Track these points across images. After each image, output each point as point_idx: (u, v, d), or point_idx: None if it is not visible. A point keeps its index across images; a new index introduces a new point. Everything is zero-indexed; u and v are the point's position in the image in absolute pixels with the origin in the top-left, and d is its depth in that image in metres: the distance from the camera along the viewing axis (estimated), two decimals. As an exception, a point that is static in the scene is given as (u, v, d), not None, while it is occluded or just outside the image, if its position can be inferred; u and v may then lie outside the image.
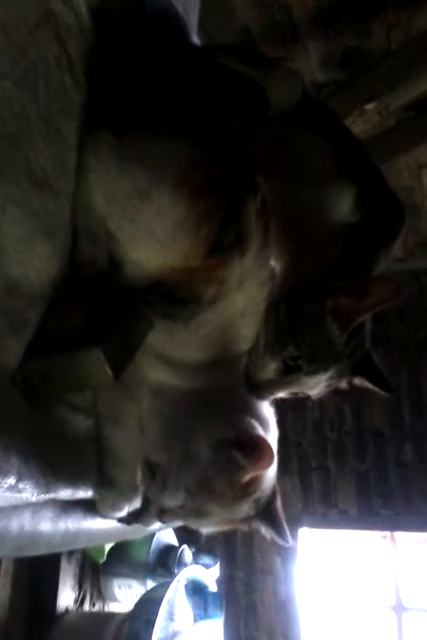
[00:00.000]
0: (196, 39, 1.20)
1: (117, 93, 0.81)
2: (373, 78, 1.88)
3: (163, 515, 0.80)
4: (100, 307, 0.74)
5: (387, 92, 1.86)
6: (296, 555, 3.29)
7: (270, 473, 0.85)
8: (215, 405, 0.82)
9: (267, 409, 0.90)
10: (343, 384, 0.94)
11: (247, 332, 0.84)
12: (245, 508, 0.81)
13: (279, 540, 0.86)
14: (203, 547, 3.00)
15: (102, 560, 2.59)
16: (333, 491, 3.37)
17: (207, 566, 3.00)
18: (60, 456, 0.74)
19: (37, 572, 2.48)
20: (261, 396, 0.89)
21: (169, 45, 0.90)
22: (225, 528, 0.85)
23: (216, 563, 3.15)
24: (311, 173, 0.91)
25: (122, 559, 2.72)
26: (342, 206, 0.89)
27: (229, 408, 0.83)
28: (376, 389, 0.93)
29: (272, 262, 0.84)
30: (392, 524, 3.26)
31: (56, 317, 0.71)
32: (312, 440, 3.43)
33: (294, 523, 3.32)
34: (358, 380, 0.94)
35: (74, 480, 0.77)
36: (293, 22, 1.93)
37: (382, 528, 3.30)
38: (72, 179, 0.76)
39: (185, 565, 2.73)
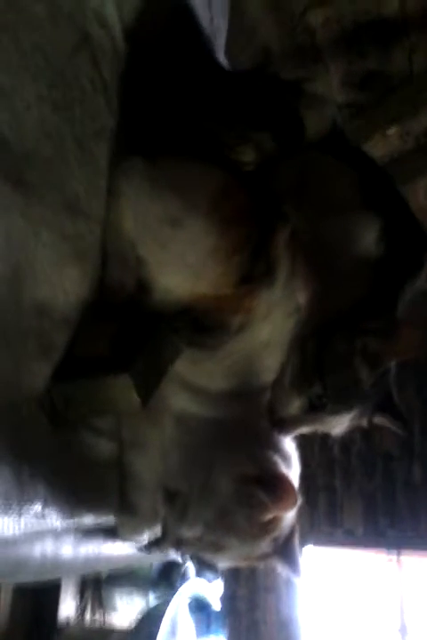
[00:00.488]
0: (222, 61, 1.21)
1: (149, 117, 0.81)
2: (395, 102, 1.88)
3: (180, 545, 0.79)
4: (127, 332, 0.73)
5: (409, 116, 1.86)
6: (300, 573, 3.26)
7: (291, 511, 0.83)
8: (238, 437, 0.81)
9: (289, 444, 0.89)
10: (364, 422, 0.92)
11: (271, 364, 0.83)
12: (264, 545, 0.80)
13: (293, 576, 0.84)
14: (206, 561, 2.97)
15: (104, 573, 2.57)
16: (339, 510, 3.34)
17: (210, 580, 2.98)
18: (83, 481, 0.74)
19: (39, 587, 2.47)
20: (284, 432, 0.87)
21: (201, 69, 0.90)
22: (241, 564, 0.83)
23: (219, 576, 3.12)
24: (338, 204, 0.90)
25: (125, 571, 2.70)
26: (367, 239, 0.88)
27: (252, 442, 0.82)
28: (394, 428, 0.92)
29: (299, 294, 0.84)
30: (399, 544, 3.23)
31: (84, 341, 0.71)
32: (320, 460, 3.41)
33: (300, 541, 3.29)
34: (378, 419, 0.92)
35: (96, 505, 0.76)
36: (315, 44, 1.93)
37: (389, 549, 3.27)
38: (103, 203, 0.76)
39: (188, 579, 2.71)
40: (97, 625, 2.75)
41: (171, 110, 0.84)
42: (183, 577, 2.74)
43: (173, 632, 2.49)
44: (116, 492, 0.78)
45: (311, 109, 0.91)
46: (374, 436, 3.29)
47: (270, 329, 0.81)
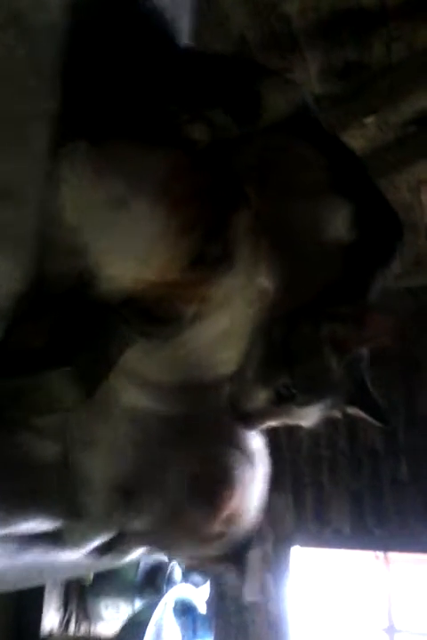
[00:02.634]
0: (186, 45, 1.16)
1: (96, 98, 0.77)
2: (373, 92, 1.85)
3: (130, 540, 0.75)
4: (71, 323, 0.69)
5: (387, 107, 1.83)
6: (288, 573, 3.23)
7: (249, 515, 0.78)
8: (194, 434, 0.77)
9: (254, 439, 0.84)
10: (337, 414, 0.89)
11: (231, 355, 0.79)
12: (215, 548, 0.75)
13: (245, 596, 0.80)
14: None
15: (88, 580, 2.52)
16: (326, 509, 3.31)
17: (197, 584, 2.95)
18: (23, 485, 0.69)
19: (21, 594, 2.43)
20: (249, 426, 0.83)
21: (153, 47, 0.85)
22: (192, 564, 0.79)
23: (206, 581, 3.09)
24: (306, 188, 0.86)
25: (109, 578, 2.65)
26: (338, 224, 0.84)
27: (209, 438, 0.78)
28: (372, 421, 0.87)
29: (263, 280, 0.79)
30: (386, 543, 3.21)
31: (20, 335, 0.66)
32: (306, 457, 3.38)
33: (287, 541, 3.27)
34: (352, 410, 0.88)
35: (39, 511, 0.71)
36: (292, 32, 1.90)
37: (376, 548, 3.25)
38: (40, 189, 0.70)
39: (174, 583, 2.67)
40: (82, 635, 2.70)
41: (121, 92, 0.79)
42: (169, 581, 2.69)
43: (157, 637, 2.45)
44: (63, 495, 0.73)
45: (273, 90, 0.87)
46: (358, 431, 3.27)
47: (230, 318, 0.76)
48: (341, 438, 3.34)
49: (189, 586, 2.66)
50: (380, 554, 3.26)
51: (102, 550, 0.77)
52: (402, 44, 1.88)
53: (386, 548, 3.23)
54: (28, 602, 2.44)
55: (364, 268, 0.86)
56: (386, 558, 3.26)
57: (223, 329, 0.76)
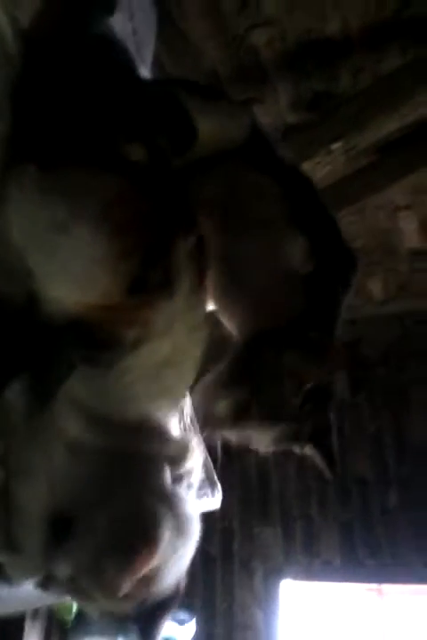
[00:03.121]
0: (147, 74, 1.18)
1: (45, 124, 0.77)
2: (339, 118, 1.87)
3: (48, 582, 0.72)
4: (13, 346, 0.68)
5: (353, 132, 1.85)
6: (278, 608, 3.16)
7: (165, 583, 0.75)
8: (130, 476, 0.75)
9: (190, 504, 0.81)
10: (296, 448, 0.88)
11: (175, 383, 0.78)
12: (128, 605, 0.72)
13: None
14: (180, 601, 2.87)
15: (70, 618, 2.46)
16: (316, 541, 3.26)
17: (182, 622, 2.87)
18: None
19: (1, 632, 2.36)
20: (206, 431, 0.83)
21: (104, 75, 0.86)
22: (103, 618, 0.76)
23: (192, 618, 3.01)
24: (261, 219, 0.88)
25: (92, 618, 2.58)
26: (294, 255, 0.86)
27: (143, 486, 0.75)
28: (321, 467, 0.87)
29: (206, 307, 0.80)
30: (378, 575, 3.15)
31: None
32: (295, 489, 3.34)
33: (276, 574, 3.21)
34: (308, 450, 0.87)
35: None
36: (260, 64, 1.93)
37: (368, 580, 3.18)
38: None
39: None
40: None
41: (72, 118, 0.80)
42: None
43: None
44: (1, 527, 0.71)
45: (216, 115, 0.88)
46: (347, 461, 3.24)
47: (171, 344, 0.76)
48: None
49: (173, 624, 2.59)
50: (373, 586, 3.20)
51: (43, 585, 0.74)
52: (368, 73, 1.91)
53: (378, 579, 3.17)
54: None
55: (324, 298, 0.87)
56: (379, 591, 3.20)
57: (165, 355, 0.77)
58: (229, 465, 3.15)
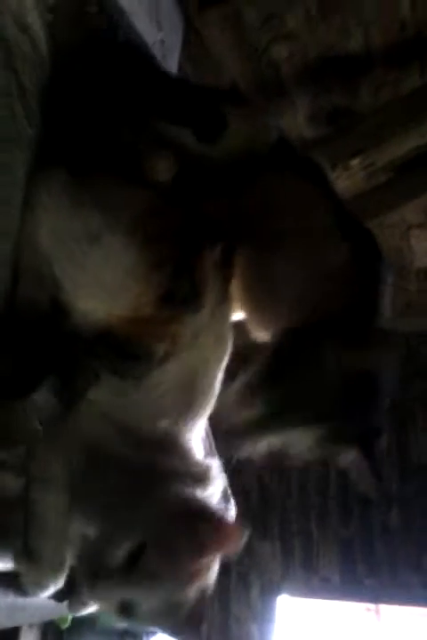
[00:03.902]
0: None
1: (75, 129, 0.77)
2: (358, 133, 1.87)
3: (100, 579, 0.69)
4: (37, 353, 0.67)
5: (372, 148, 1.85)
6: (274, 624, 3.13)
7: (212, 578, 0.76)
8: (158, 477, 0.74)
9: (221, 481, 0.82)
10: (339, 453, 0.84)
11: (202, 397, 0.78)
12: (192, 593, 0.72)
13: None
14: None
15: (66, 625, 2.43)
16: (315, 557, 3.23)
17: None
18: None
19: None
20: (231, 442, 0.82)
21: (135, 83, 0.86)
22: (160, 616, 0.74)
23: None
24: (304, 225, 0.87)
25: (88, 624, 2.56)
26: (336, 259, 0.86)
27: (176, 479, 0.75)
28: (362, 477, 0.83)
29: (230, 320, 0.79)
30: (377, 594, 3.11)
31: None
32: (295, 504, 3.31)
33: (274, 589, 3.18)
34: (352, 455, 0.83)
35: (-1, 551, 0.68)
36: (280, 78, 1.93)
37: (366, 599, 3.15)
38: (17, 214, 0.70)
39: (155, 632, 2.58)
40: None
41: (100, 126, 0.80)
42: (149, 631, 2.60)
43: None
44: (20, 535, 0.70)
45: (239, 117, 0.87)
46: (348, 478, 3.21)
47: (198, 357, 0.75)
48: (331, 484, 3.28)
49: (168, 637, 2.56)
50: (371, 606, 3.17)
51: (58, 597, 0.73)
52: (387, 91, 1.91)
53: (377, 599, 3.14)
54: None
55: (365, 297, 0.87)
56: (377, 610, 3.17)
57: (192, 368, 0.76)
58: (229, 478, 3.12)
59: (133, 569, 0.69)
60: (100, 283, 0.70)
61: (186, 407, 0.76)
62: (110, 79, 0.80)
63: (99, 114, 0.78)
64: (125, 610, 0.72)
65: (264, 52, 1.83)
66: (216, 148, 0.83)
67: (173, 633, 0.77)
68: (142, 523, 0.70)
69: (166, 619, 0.73)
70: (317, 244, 0.87)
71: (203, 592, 0.73)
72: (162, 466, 0.74)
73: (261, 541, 3.27)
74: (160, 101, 0.82)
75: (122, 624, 2.62)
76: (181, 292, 0.72)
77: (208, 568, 0.73)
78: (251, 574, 3.24)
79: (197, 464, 0.78)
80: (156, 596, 0.72)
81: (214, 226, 0.79)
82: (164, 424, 0.75)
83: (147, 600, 0.73)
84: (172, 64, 1.24)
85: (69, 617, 2.41)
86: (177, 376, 0.74)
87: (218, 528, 0.71)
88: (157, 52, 1.08)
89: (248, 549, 3.25)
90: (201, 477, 0.77)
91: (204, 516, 0.72)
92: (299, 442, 0.81)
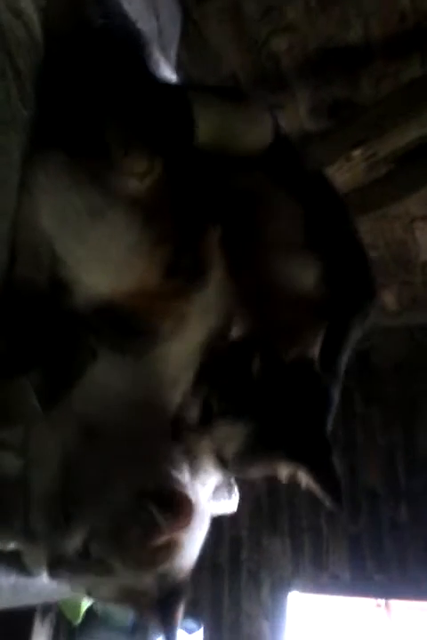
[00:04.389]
0: (172, 74, 1.18)
1: (68, 112, 0.77)
2: (359, 125, 1.87)
3: (58, 565, 0.69)
4: (34, 331, 0.67)
5: (374, 139, 1.85)
6: (285, 620, 3.12)
7: (188, 555, 0.74)
8: (148, 449, 0.73)
9: (205, 494, 0.80)
10: (278, 471, 0.77)
11: (190, 375, 0.76)
12: (149, 580, 0.70)
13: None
14: (187, 610, 2.84)
15: (78, 621, 2.44)
16: (324, 553, 3.22)
17: (190, 631, 2.85)
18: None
19: (9, 634, 2.36)
20: (179, 439, 0.76)
21: (126, 70, 0.86)
22: (119, 600, 0.73)
23: (200, 627, 2.99)
24: (278, 238, 0.82)
25: (99, 620, 2.57)
26: (307, 280, 0.80)
27: (162, 456, 0.74)
28: (321, 495, 0.75)
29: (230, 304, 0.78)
30: (387, 590, 3.11)
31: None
32: (304, 499, 3.31)
33: (284, 586, 3.18)
34: (304, 477, 0.75)
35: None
36: (281, 71, 1.93)
37: (376, 594, 3.14)
38: (13, 195, 0.71)
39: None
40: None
41: (89, 110, 0.80)
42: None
43: None
44: (21, 515, 0.68)
45: (247, 116, 0.86)
46: (357, 472, 3.21)
47: (200, 336, 0.75)
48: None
49: (181, 632, 2.56)
50: (381, 601, 3.16)
51: (50, 572, 0.72)
52: (388, 82, 1.91)
53: (386, 594, 3.13)
54: (14, 640, 2.38)
55: (336, 325, 0.82)
56: (387, 606, 3.16)
57: (193, 347, 0.75)
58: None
59: (86, 557, 0.68)
60: (104, 258, 0.71)
61: (188, 381, 0.75)
62: (98, 67, 0.81)
63: (87, 101, 0.78)
64: (89, 594, 0.73)
65: (264, 44, 1.83)
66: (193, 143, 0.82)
67: (144, 619, 0.76)
68: (96, 508, 0.69)
69: (129, 604, 0.73)
70: (287, 259, 0.82)
71: (169, 577, 0.71)
72: (158, 435, 0.74)
73: (271, 538, 3.26)
74: (132, 99, 0.80)
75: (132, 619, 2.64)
76: (184, 266, 0.72)
77: (168, 551, 0.71)
78: (261, 571, 3.24)
79: (191, 438, 0.77)
80: (107, 584, 0.71)
81: (217, 202, 0.79)
82: (164, 396, 0.74)
83: (101, 587, 0.72)
84: (171, 54, 1.25)
85: (82, 613, 2.42)
86: (178, 353, 0.73)
87: (169, 506, 0.68)
88: (154, 41, 1.08)
89: (258, 546, 3.26)
90: (193, 452, 0.76)
91: (156, 495, 0.69)
92: (228, 441, 0.75)
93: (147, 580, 0.71)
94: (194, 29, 1.73)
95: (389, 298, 3.27)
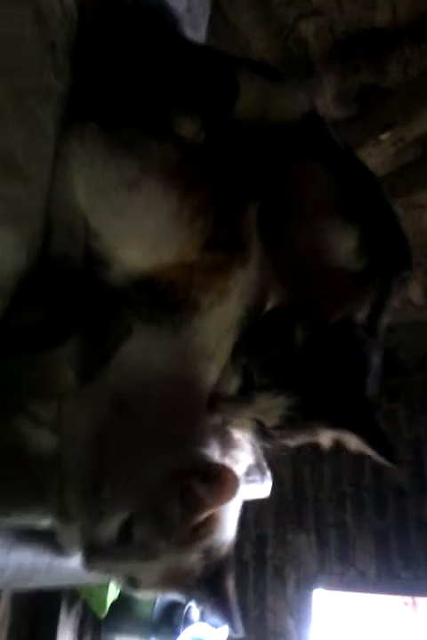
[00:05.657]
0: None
1: (103, 84, 0.76)
2: (387, 109, 1.84)
3: (95, 553, 0.67)
4: (70, 304, 0.66)
5: (401, 123, 1.81)
6: (311, 617, 3.09)
7: (228, 529, 0.72)
8: (184, 427, 0.72)
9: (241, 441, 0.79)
10: (325, 438, 0.75)
11: (223, 353, 0.74)
12: (194, 557, 0.69)
13: (228, 627, 0.72)
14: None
15: (103, 614, 2.44)
16: (351, 549, 3.18)
17: (215, 625, 2.83)
18: (16, 476, 0.66)
19: (36, 625, 2.37)
20: (215, 410, 0.75)
21: (162, 40, 0.85)
22: (165, 584, 0.71)
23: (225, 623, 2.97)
24: (312, 208, 0.83)
25: (125, 614, 2.57)
26: (343, 249, 0.80)
27: (197, 433, 0.72)
28: (375, 455, 0.71)
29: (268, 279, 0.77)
30: (413, 588, 3.05)
31: (20, 315, 0.64)
32: (330, 495, 3.27)
33: (309, 583, 3.15)
34: (353, 440, 0.72)
35: (32, 506, 0.67)
36: (308, 56, 1.91)
37: (403, 592, 3.09)
38: (48, 167, 0.70)
39: (191, 623, 2.57)
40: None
41: (127, 82, 0.79)
42: (186, 621, 2.59)
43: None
44: (56, 494, 0.67)
45: (286, 91, 0.85)
46: (383, 468, 3.16)
47: (239, 310, 0.73)
48: (365, 475, 3.23)
49: (206, 626, 2.55)
50: (408, 599, 3.11)
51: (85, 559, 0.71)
52: (416, 66, 1.88)
53: (413, 592, 3.08)
54: (41, 634, 2.40)
55: (373, 296, 0.81)
56: (414, 604, 3.11)
57: (233, 319, 0.74)
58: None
59: (126, 542, 0.67)
60: (142, 230, 0.70)
61: (210, 359, 0.73)
62: (132, 40, 0.79)
63: (123, 71, 0.77)
64: (131, 582, 0.71)
65: (292, 29, 1.81)
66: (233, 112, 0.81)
67: (190, 599, 0.74)
68: (132, 492, 0.67)
69: (175, 587, 0.71)
70: (323, 228, 0.82)
71: (211, 552, 0.70)
72: (185, 425, 0.72)
73: (296, 534, 3.24)
74: (175, 67, 0.80)
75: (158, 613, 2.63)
76: (224, 238, 0.70)
77: (209, 527, 0.69)
78: (286, 567, 3.21)
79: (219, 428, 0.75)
80: (151, 569, 0.69)
81: (253, 180, 0.77)
82: (200, 375, 0.73)
83: (143, 573, 0.70)
84: (200, 34, 1.23)
85: (107, 605, 2.42)
86: (217, 328, 0.72)
87: (211, 479, 0.67)
88: (184, 20, 1.06)
89: (283, 542, 3.21)
90: (224, 430, 0.75)
91: (196, 471, 0.68)
92: (269, 411, 0.72)
93: (191, 559, 0.69)
94: (221, 14, 1.71)
95: (414, 292, 3.22)
